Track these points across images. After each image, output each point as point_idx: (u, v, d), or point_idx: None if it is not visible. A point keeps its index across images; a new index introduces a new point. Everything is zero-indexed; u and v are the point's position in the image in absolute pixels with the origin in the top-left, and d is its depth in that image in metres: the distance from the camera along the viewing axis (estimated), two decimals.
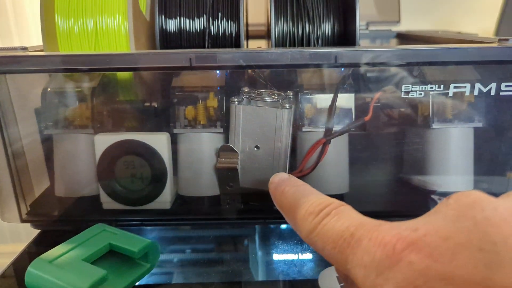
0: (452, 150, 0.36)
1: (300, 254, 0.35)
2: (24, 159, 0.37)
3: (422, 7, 0.72)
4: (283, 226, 0.39)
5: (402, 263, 0.14)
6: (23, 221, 0.37)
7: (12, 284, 0.32)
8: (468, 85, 0.33)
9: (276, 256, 0.35)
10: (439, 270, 0.14)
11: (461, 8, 0.74)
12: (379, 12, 0.65)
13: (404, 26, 0.66)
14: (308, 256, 0.34)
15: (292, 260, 0.34)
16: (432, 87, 0.33)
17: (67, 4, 0.39)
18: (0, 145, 0.34)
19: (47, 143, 0.38)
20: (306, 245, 0.36)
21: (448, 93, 0.34)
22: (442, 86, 0.33)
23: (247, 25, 0.63)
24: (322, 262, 0.33)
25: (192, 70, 0.32)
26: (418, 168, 0.38)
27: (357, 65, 0.32)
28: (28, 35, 0.65)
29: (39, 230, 0.38)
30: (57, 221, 0.37)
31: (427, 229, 0.15)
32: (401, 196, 0.40)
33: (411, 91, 0.33)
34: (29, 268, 0.29)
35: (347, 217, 0.18)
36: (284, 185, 0.23)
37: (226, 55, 0.32)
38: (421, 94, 0.33)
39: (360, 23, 0.64)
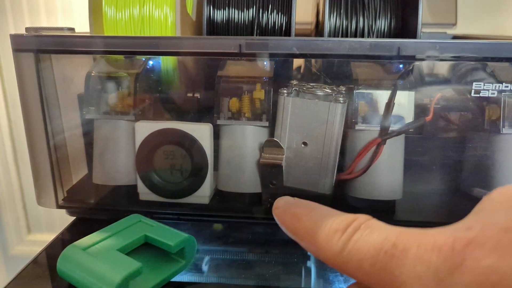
0: None
1: None
2: (64, 144, 0.37)
3: (481, 9, 0.67)
4: None
5: (468, 262, 0.13)
6: (59, 206, 0.36)
7: (44, 271, 0.31)
8: None
9: (320, 264, 0.32)
10: None
11: None
12: (433, 13, 0.61)
13: (460, 29, 0.62)
14: None
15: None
16: (507, 86, 0.29)
17: None
18: (41, 128, 0.34)
19: (88, 128, 0.37)
20: None
21: None
22: None
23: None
24: None
25: (242, 56, 0.30)
26: (482, 177, 0.34)
27: (422, 59, 0.29)
28: (55, 16, 0.65)
29: (74, 218, 0.37)
30: (92, 209, 0.36)
31: (482, 225, 0.14)
32: (460, 207, 0.36)
33: (483, 89, 0.30)
34: (62, 254, 0.28)
35: (382, 229, 0.16)
36: (294, 207, 0.20)
37: (278, 41, 0.29)
38: (493, 93, 0.30)
39: None
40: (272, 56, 0.30)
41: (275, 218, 0.21)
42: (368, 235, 0.16)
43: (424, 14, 0.63)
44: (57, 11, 0.65)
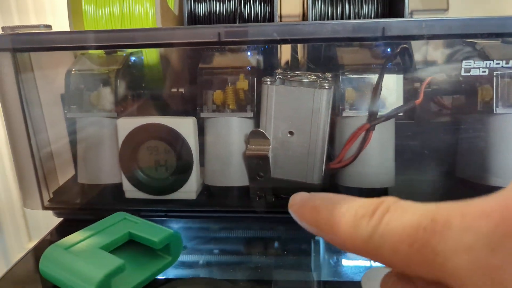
0: None
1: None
2: (48, 145, 0.36)
3: None
4: None
5: None
6: (45, 208, 0.35)
7: (29, 271, 0.31)
8: None
9: (313, 255, 0.31)
10: None
11: None
12: None
13: (453, 14, 0.61)
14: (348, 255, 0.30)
15: (330, 260, 0.30)
16: (498, 63, 0.28)
17: None
18: (22, 130, 0.33)
19: (73, 128, 0.36)
20: None
21: None
22: (510, 62, 0.28)
23: (280, 16, 0.60)
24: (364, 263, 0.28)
25: (221, 45, 0.29)
26: (478, 160, 0.33)
27: (408, 38, 0.28)
28: (44, 14, 0.64)
29: (62, 218, 0.37)
30: (79, 209, 0.36)
31: None
32: (455, 193, 0.35)
33: (473, 67, 0.29)
34: (44, 255, 0.27)
35: (415, 207, 0.14)
36: (312, 201, 0.19)
37: (258, 28, 0.29)
38: (484, 71, 0.29)
39: None
40: (252, 43, 0.30)
41: (293, 214, 0.20)
42: (400, 215, 0.14)
43: (415, 0, 0.62)
44: (46, 10, 0.64)
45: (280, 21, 0.59)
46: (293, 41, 0.29)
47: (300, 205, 0.19)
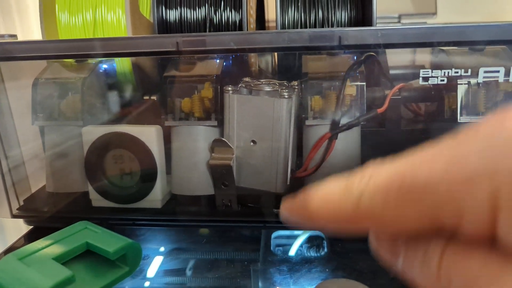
0: None
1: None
2: (18, 153, 0.36)
3: None
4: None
5: None
6: (13, 216, 0.35)
7: None
8: (502, 70, 0.28)
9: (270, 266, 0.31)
10: None
11: None
12: (413, 3, 0.59)
13: (441, 18, 0.60)
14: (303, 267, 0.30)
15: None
16: (457, 72, 0.28)
17: None
18: None
19: (43, 136, 0.36)
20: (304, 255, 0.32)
21: (477, 80, 0.28)
22: (469, 71, 0.28)
23: (263, 20, 0.59)
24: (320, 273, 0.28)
25: (180, 54, 0.29)
26: None
27: (365, 47, 0.28)
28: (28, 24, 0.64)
29: (32, 226, 0.37)
30: (48, 218, 0.36)
31: None
32: None
33: (431, 77, 0.28)
34: None
35: (401, 158, 0.13)
36: (301, 196, 0.18)
37: (216, 37, 0.28)
38: (443, 80, 0.28)
39: (391, 15, 0.58)
40: (210, 52, 0.29)
41: (285, 217, 0.20)
42: (387, 167, 0.13)
43: (405, 3, 0.61)
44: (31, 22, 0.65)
45: (264, 25, 0.59)
46: (250, 50, 0.29)
47: (290, 205, 0.19)
